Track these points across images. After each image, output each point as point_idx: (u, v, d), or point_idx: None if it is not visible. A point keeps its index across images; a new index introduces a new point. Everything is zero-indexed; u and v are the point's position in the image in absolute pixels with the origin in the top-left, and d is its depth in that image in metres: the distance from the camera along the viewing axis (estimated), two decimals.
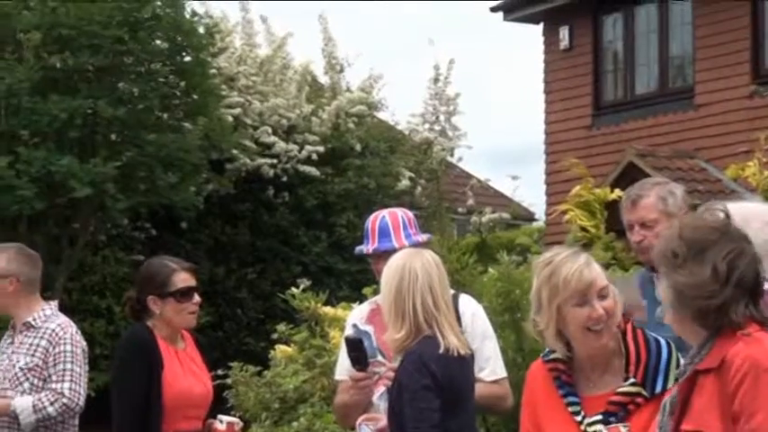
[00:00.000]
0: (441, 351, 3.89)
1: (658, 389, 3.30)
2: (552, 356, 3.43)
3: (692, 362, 2.75)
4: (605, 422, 3.28)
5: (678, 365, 3.29)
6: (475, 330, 4.35)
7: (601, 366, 3.36)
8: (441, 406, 3.85)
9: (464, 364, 4.01)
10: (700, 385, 2.70)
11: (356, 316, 4.63)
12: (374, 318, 4.47)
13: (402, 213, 4.52)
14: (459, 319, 4.24)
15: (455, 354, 3.93)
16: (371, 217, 4.52)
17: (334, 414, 4.51)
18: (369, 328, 4.47)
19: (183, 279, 4.61)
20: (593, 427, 3.28)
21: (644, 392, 3.29)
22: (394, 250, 4.26)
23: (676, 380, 3.24)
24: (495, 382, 4.38)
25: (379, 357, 4.39)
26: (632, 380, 3.31)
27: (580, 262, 3.33)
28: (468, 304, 4.45)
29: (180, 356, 4.64)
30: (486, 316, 4.53)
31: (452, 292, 4.29)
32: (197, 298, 4.65)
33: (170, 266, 4.64)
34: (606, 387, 3.34)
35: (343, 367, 4.48)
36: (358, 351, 4.27)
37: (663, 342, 3.39)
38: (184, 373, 4.60)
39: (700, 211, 2.92)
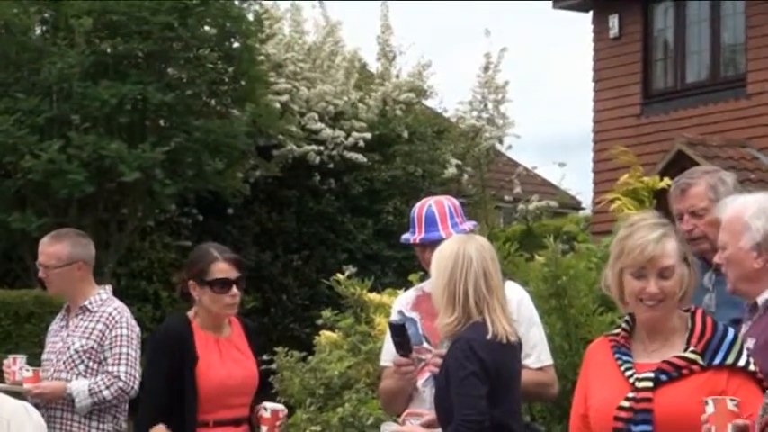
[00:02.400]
0: (489, 337, 3.89)
1: (717, 360, 3.28)
2: (615, 331, 3.46)
3: None
4: (656, 380, 3.26)
5: (741, 351, 3.28)
6: (521, 317, 4.34)
7: (660, 339, 3.35)
8: (488, 393, 3.84)
9: (512, 350, 4.00)
10: None
11: (402, 302, 4.62)
12: (420, 304, 4.47)
13: (448, 202, 4.51)
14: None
15: (504, 340, 3.92)
16: (417, 205, 4.52)
17: (379, 399, 4.51)
18: (414, 315, 4.47)
19: (222, 269, 4.53)
20: (643, 383, 3.27)
21: (701, 361, 3.27)
22: (441, 240, 4.26)
23: (735, 363, 3.22)
24: (540, 369, 4.38)
25: (425, 344, 4.40)
26: (692, 349, 3.30)
27: (653, 235, 3.32)
28: (514, 291, 4.44)
29: (221, 344, 4.60)
30: (532, 303, 4.53)
31: None
32: (235, 290, 4.56)
33: (211, 255, 4.57)
34: (662, 358, 3.32)
35: (389, 353, 4.48)
36: (401, 336, 4.28)
37: (731, 329, 3.38)
38: (223, 361, 4.57)
39: None
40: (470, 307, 3.92)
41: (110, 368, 5.05)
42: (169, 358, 4.49)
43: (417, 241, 4.42)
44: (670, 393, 3.25)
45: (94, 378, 5.04)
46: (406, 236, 4.50)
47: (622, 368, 3.33)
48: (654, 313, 3.34)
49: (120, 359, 5.06)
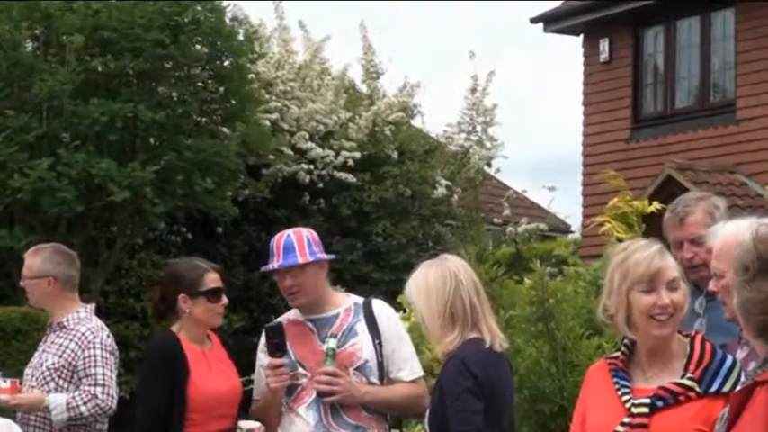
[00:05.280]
0: (484, 353, 3.92)
1: (713, 388, 3.27)
2: (614, 354, 3.46)
3: (755, 373, 2.71)
4: (652, 406, 3.25)
5: (739, 378, 3.27)
6: (392, 333, 4.55)
7: (658, 364, 3.35)
8: (483, 410, 3.85)
9: (505, 360, 4.06)
10: (754, 397, 2.66)
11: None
12: (288, 330, 4.58)
13: (307, 232, 4.64)
14: (375, 323, 4.49)
15: (498, 348, 3.98)
16: (277, 236, 4.64)
17: None
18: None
19: (214, 279, 4.68)
20: (639, 409, 3.26)
21: (698, 389, 3.26)
22: (298, 264, 4.48)
23: (732, 390, 3.22)
24: (413, 381, 4.54)
25: (300, 369, 4.50)
26: (690, 375, 3.30)
27: (653, 249, 3.38)
28: (382, 308, 4.64)
29: (208, 357, 4.66)
30: (399, 319, 4.78)
31: (363, 298, 4.61)
32: (225, 299, 4.71)
33: (202, 266, 4.71)
34: (660, 383, 3.32)
35: (260, 389, 4.59)
36: (279, 337, 4.44)
37: (729, 355, 3.37)
38: (212, 373, 4.61)
39: None
40: (468, 321, 3.95)
41: (86, 388, 5.04)
42: (168, 375, 4.50)
43: (275, 267, 4.54)
44: (665, 420, 3.24)
45: (73, 393, 5.03)
46: (265, 267, 4.63)
47: (619, 392, 3.32)
48: (664, 330, 3.34)
49: (96, 379, 5.04)
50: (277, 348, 4.43)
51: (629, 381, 3.35)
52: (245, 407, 4.72)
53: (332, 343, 4.43)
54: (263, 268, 4.69)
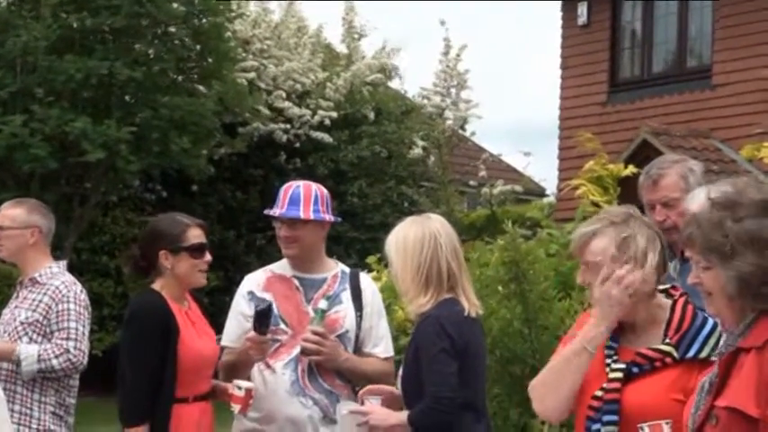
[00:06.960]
0: (460, 314, 3.92)
1: (690, 353, 3.26)
2: None
3: (735, 339, 2.72)
4: (628, 371, 3.27)
5: (717, 344, 3.24)
6: (374, 308, 4.57)
7: (638, 329, 3.36)
8: (458, 370, 3.86)
9: (478, 325, 4.06)
10: (740, 363, 2.67)
11: (252, 283, 4.66)
12: (272, 285, 4.57)
13: (317, 188, 4.59)
14: (360, 295, 4.49)
15: (473, 314, 3.98)
16: (287, 184, 4.61)
17: (221, 374, 4.57)
18: (267, 296, 4.55)
19: (197, 235, 4.55)
20: (615, 374, 3.28)
21: (675, 354, 3.27)
22: (299, 219, 4.43)
23: (709, 356, 3.21)
24: (386, 359, 4.57)
25: (282, 325, 4.49)
26: (668, 341, 3.30)
27: (585, 229, 3.36)
28: (368, 282, 4.66)
29: (189, 316, 4.58)
30: (380, 294, 4.73)
31: (351, 268, 4.60)
32: (208, 256, 4.59)
33: (184, 222, 4.59)
34: (644, 345, 3.33)
35: (233, 334, 4.57)
36: (267, 317, 4.38)
37: (711, 319, 3.34)
38: (198, 333, 4.55)
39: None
40: (444, 285, 3.94)
41: (58, 341, 5.02)
42: (161, 336, 4.38)
43: (276, 215, 4.50)
44: (640, 386, 3.25)
45: (45, 345, 4.99)
46: (267, 210, 4.59)
47: (605, 352, 3.34)
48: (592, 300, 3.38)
49: (68, 334, 5.00)
50: (262, 325, 4.38)
51: (618, 340, 3.35)
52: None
53: (323, 304, 4.43)
54: (265, 211, 4.62)
